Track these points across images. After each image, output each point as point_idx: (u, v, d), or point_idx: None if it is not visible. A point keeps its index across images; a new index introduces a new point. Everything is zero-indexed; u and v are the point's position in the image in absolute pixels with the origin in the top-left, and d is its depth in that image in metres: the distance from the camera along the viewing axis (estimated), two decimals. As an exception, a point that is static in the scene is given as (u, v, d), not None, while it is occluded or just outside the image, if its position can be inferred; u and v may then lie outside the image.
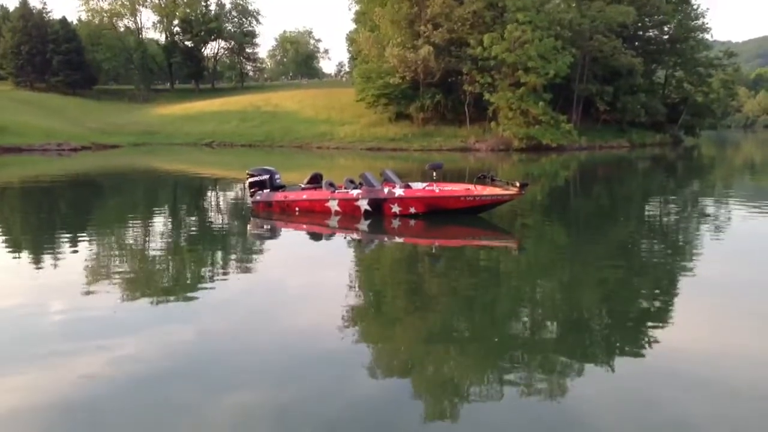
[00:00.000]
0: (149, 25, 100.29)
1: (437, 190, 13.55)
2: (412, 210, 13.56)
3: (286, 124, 56.18)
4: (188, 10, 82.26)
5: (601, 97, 48.48)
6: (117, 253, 11.09)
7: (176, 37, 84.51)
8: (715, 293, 8.23)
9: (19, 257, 10.79)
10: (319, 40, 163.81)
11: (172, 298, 8.16)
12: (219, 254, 11.27)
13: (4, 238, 12.96)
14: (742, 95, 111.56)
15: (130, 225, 14.72)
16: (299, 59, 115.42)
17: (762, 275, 9.18)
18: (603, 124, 51.64)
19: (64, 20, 75.39)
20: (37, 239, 12.76)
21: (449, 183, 14.73)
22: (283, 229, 13.84)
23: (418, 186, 13.98)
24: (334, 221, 13.70)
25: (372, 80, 50.87)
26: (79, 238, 12.53)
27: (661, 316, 7.23)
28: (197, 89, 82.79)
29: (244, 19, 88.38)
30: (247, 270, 9.76)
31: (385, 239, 12.68)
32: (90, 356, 5.96)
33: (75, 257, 10.40)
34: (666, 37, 58.11)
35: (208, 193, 22.57)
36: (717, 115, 64.84)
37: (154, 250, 11.49)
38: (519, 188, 12.78)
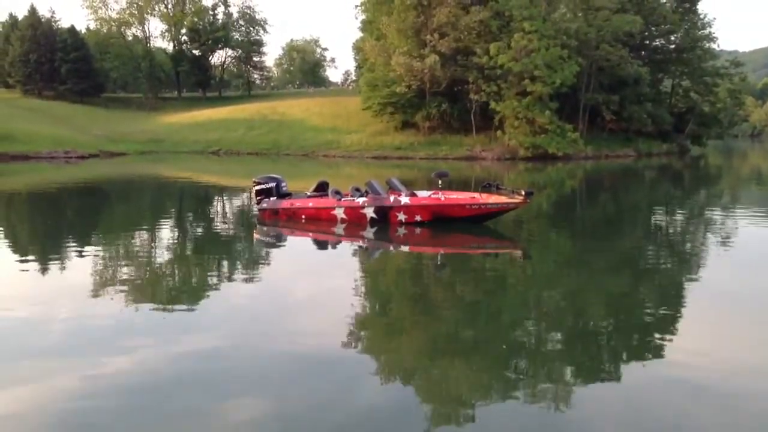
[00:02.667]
0: (157, 34, 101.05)
1: (443, 199, 13.55)
2: (418, 218, 13.57)
3: (292, 133, 56.30)
4: (196, 19, 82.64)
5: (607, 107, 48.38)
6: (123, 260, 11.12)
7: (184, 46, 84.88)
8: (721, 303, 8.19)
9: (26, 264, 10.83)
10: (325, 49, 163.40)
11: (177, 305, 8.18)
12: (225, 262, 11.29)
13: (11, 245, 13.02)
14: (749, 105, 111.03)
15: (137, 232, 14.77)
16: (306, 68, 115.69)
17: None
18: (609, 133, 51.54)
19: (72, 29, 75.78)
20: (43, 246, 12.82)
21: (455, 191, 14.73)
22: (289, 236, 13.86)
23: (423, 194, 14.00)
24: (340, 229, 13.72)
25: (378, 89, 50.98)
26: (86, 246, 12.59)
27: (667, 326, 7.20)
28: (204, 97, 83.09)
29: (251, 28, 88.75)
30: (252, 277, 9.79)
31: (391, 247, 12.68)
32: (95, 363, 5.98)
33: (81, 264, 10.44)
34: (672, 46, 58.00)
35: (215, 201, 22.63)
36: (724, 125, 64.55)
37: (160, 257, 11.52)
38: (524, 197, 12.77)
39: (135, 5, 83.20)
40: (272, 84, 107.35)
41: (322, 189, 15.09)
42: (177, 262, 11.04)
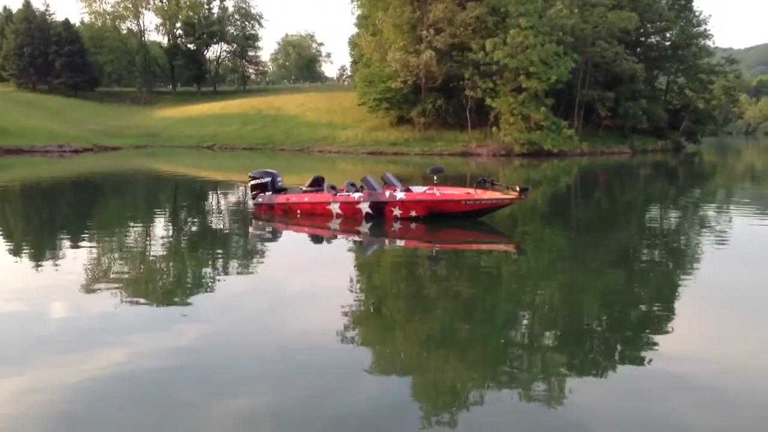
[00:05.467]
0: (152, 28, 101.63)
1: (438, 194, 13.59)
2: (413, 213, 13.59)
3: (287, 128, 56.25)
4: (191, 13, 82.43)
5: (602, 103, 48.48)
6: (118, 255, 11.09)
7: (179, 40, 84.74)
8: (715, 299, 8.23)
9: (20, 259, 10.81)
10: (321, 44, 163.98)
11: (172, 300, 8.18)
12: (220, 256, 11.29)
13: (5, 239, 12.99)
14: (743, 102, 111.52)
15: (131, 227, 14.74)
16: (301, 63, 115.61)
17: (763, 281, 9.18)
18: (604, 129, 51.61)
19: (66, 22, 75.59)
20: (38, 241, 12.79)
21: (450, 187, 14.76)
22: (284, 231, 13.86)
23: (418, 190, 14.03)
24: (335, 224, 13.73)
25: (374, 84, 50.95)
26: (80, 240, 12.55)
27: (662, 322, 7.23)
28: (199, 92, 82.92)
29: (246, 23, 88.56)
30: (248, 272, 9.78)
31: (386, 242, 12.69)
32: (90, 358, 5.97)
33: (76, 259, 10.41)
34: (668, 43, 58.13)
35: (210, 196, 22.59)
36: (718, 122, 64.80)
37: (155, 252, 11.50)
38: (519, 193, 12.82)
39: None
40: (267, 79, 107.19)
41: (317, 184, 15.09)
42: (172, 257, 11.02)
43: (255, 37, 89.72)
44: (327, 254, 11.73)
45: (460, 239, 12.91)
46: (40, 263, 10.28)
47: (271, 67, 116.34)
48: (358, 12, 63.49)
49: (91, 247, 11.72)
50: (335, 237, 13.18)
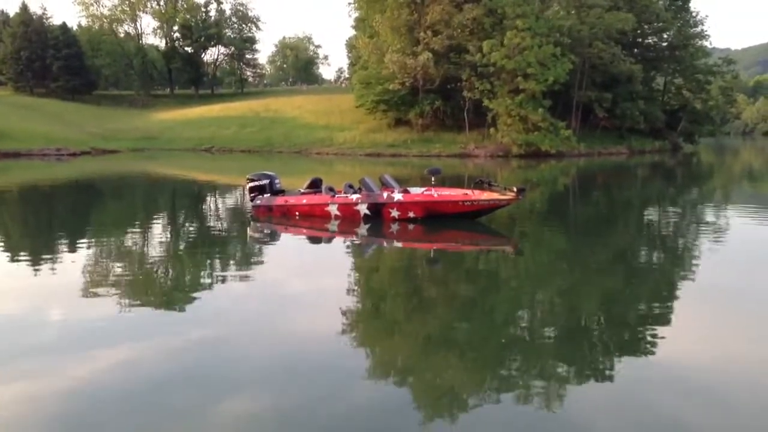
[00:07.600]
0: (149, 31, 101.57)
1: (436, 195, 13.60)
2: (411, 214, 13.61)
3: (285, 130, 56.22)
4: (188, 16, 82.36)
5: (600, 104, 48.54)
6: (116, 258, 11.08)
7: (176, 43, 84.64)
8: (713, 299, 8.24)
9: (17, 263, 10.79)
10: (318, 46, 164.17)
11: (171, 303, 8.17)
12: (219, 259, 11.28)
13: (2, 243, 12.97)
14: (740, 102, 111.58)
15: (129, 230, 14.74)
16: (299, 65, 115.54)
17: (760, 282, 9.19)
18: (602, 130, 51.69)
19: (64, 26, 75.56)
20: (35, 244, 12.76)
21: (447, 188, 14.78)
22: (283, 233, 13.87)
23: (416, 191, 14.04)
24: (333, 225, 13.73)
25: (371, 86, 51.01)
26: (78, 244, 12.54)
27: (660, 322, 7.23)
28: (197, 95, 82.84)
29: (243, 25, 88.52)
30: (247, 275, 9.78)
31: (384, 243, 12.70)
32: (89, 362, 5.96)
33: (74, 262, 10.41)
34: (665, 44, 58.25)
35: (208, 198, 22.59)
36: (716, 122, 64.83)
37: (153, 255, 11.49)
38: (516, 193, 12.85)
39: (127, 2, 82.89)
40: (265, 81, 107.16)
41: (315, 186, 15.09)
42: (171, 260, 11.01)
43: (252, 40, 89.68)
44: (325, 256, 11.73)
45: (458, 240, 12.93)
46: (37, 267, 10.26)
47: (268, 69, 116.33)
48: (355, 14, 63.56)
49: (88, 251, 11.70)
50: (333, 239, 13.19)
